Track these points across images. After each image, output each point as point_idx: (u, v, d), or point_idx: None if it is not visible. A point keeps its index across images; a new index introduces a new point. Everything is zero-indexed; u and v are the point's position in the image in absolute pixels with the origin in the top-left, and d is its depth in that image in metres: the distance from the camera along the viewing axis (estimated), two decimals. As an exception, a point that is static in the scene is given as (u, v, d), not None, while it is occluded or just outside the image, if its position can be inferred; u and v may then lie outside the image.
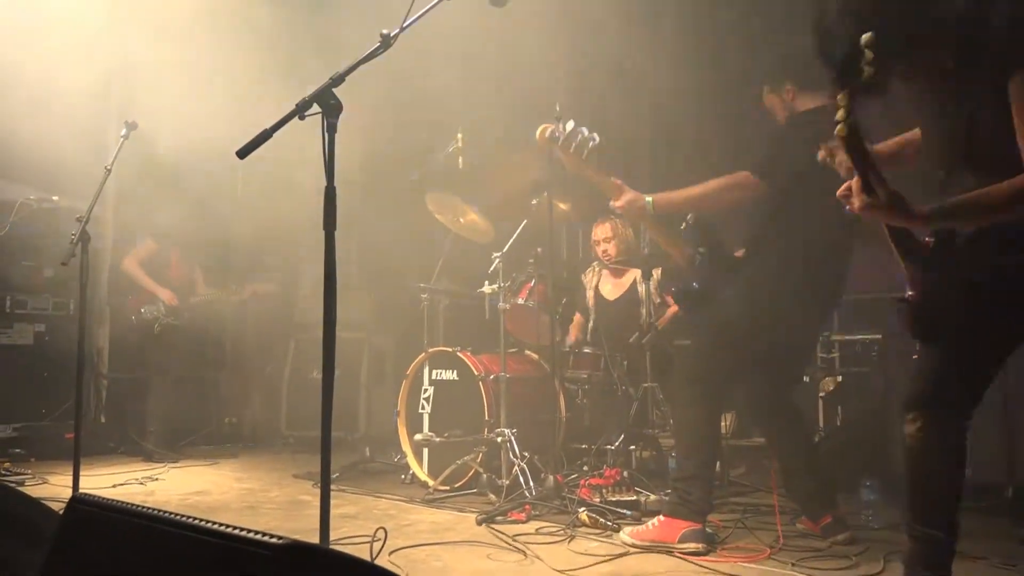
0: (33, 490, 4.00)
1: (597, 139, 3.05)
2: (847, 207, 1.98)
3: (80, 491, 3.27)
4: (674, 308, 4.77)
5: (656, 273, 4.69)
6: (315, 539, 1.86)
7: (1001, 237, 1.98)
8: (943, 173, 2.13)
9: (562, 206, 4.70)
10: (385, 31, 2.12)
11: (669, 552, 2.94)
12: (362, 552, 2.77)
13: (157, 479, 4.59)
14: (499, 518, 3.47)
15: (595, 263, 5.13)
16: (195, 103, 4.57)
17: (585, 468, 4.16)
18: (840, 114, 1.79)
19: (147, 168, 5.35)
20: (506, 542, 3.11)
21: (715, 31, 5.43)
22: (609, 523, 3.29)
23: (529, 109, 3.18)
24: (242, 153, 2.00)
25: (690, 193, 3.10)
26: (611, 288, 5.00)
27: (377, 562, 2.63)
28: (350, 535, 3.13)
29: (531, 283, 4.49)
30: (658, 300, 4.75)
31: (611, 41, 4.92)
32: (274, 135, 2.03)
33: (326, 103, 2.02)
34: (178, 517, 1.28)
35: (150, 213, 5.70)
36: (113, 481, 4.41)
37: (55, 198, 5.44)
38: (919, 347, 2.19)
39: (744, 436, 4.85)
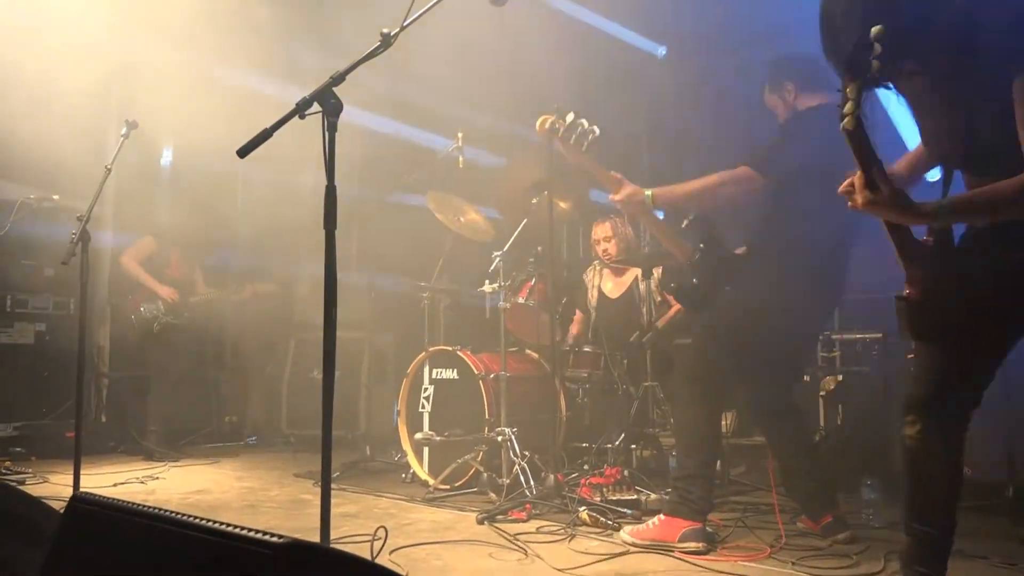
0: (34, 489, 4.00)
1: (597, 131, 3.05)
2: (849, 203, 1.98)
3: (81, 490, 3.27)
4: (675, 308, 4.78)
5: (656, 272, 4.69)
6: (316, 538, 1.86)
7: (1001, 235, 1.98)
8: (943, 172, 2.13)
9: (562, 205, 4.71)
10: (386, 30, 2.12)
11: (669, 551, 2.94)
12: (363, 551, 2.77)
13: (158, 478, 4.59)
14: (500, 517, 3.47)
15: (596, 262, 5.13)
16: (195, 103, 4.58)
17: (585, 467, 4.16)
18: (848, 106, 1.78)
19: (147, 168, 5.36)
20: (507, 539, 3.11)
21: (715, 29, 5.44)
22: (609, 522, 3.29)
23: (529, 108, 3.17)
24: (242, 152, 2.00)
25: (689, 187, 3.10)
26: (612, 286, 5.00)
27: (378, 561, 2.63)
28: (351, 534, 3.13)
29: (531, 282, 4.49)
30: (659, 299, 4.75)
31: (611, 40, 4.93)
32: (274, 134, 2.03)
33: (326, 102, 2.02)
34: (179, 516, 1.28)
35: (151, 212, 5.71)
36: (114, 480, 4.41)
37: (55, 197, 5.44)
38: (915, 346, 2.19)
39: (744, 435, 4.85)
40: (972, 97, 1.99)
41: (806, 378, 4.63)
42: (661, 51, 6.11)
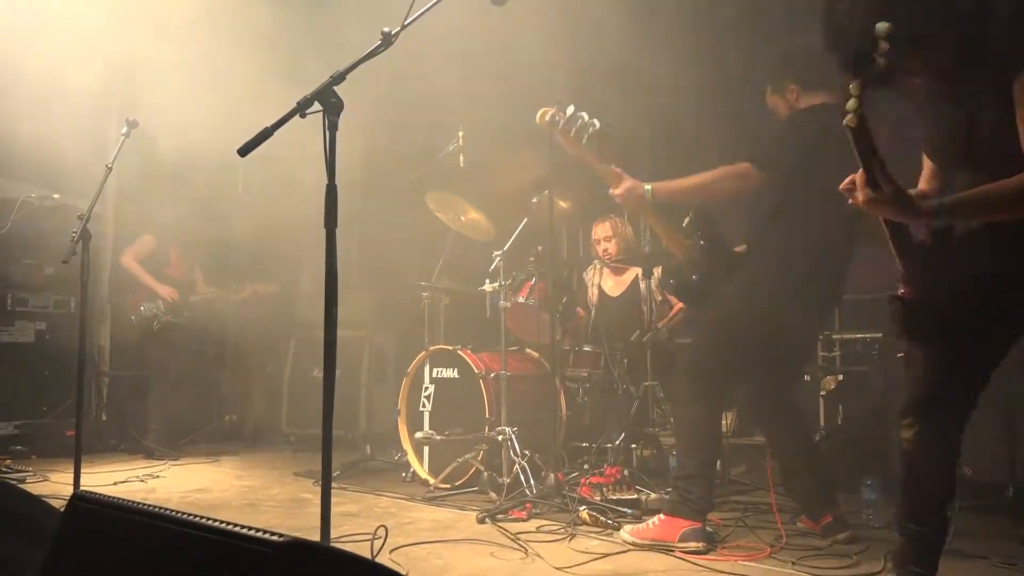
0: (34, 487, 4.00)
1: (597, 125, 3.05)
2: (850, 201, 1.98)
3: (81, 488, 3.27)
4: (676, 308, 4.78)
5: (657, 271, 4.70)
6: (316, 537, 1.86)
7: (999, 236, 1.98)
8: (948, 171, 2.13)
9: (563, 204, 4.70)
10: (386, 29, 2.12)
11: (670, 551, 2.94)
12: (363, 550, 2.77)
13: (158, 477, 4.59)
14: (500, 516, 3.47)
15: (596, 261, 5.14)
16: (196, 102, 4.57)
17: (586, 466, 4.17)
18: (851, 104, 1.77)
19: (148, 167, 5.36)
20: (509, 537, 3.11)
21: (715, 29, 5.43)
22: (610, 521, 3.29)
23: (530, 108, 3.17)
24: (243, 151, 2.00)
25: (689, 182, 3.10)
26: (613, 284, 5.00)
27: (378, 560, 2.63)
28: (351, 533, 3.13)
29: (532, 281, 4.49)
30: (659, 298, 4.76)
31: (611, 40, 4.92)
32: (275, 133, 2.03)
33: (327, 101, 2.02)
34: (179, 515, 1.28)
35: (151, 212, 5.70)
36: (114, 479, 4.42)
37: (56, 196, 5.45)
38: (907, 347, 2.19)
39: (745, 434, 4.85)
40: (972, 96, 1.99)
41: (806, 377, 4.64)
42: (661, 50, 6.10)
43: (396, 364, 5.95)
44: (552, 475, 3.82)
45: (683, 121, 5.41)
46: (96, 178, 3.59)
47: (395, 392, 4.81)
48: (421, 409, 4.52)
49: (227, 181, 6.24)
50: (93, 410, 5.81)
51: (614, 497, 3.61)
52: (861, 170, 1.89)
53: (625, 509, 3.48)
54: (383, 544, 2.80)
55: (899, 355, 2.18)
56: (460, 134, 4.64)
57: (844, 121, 1.79)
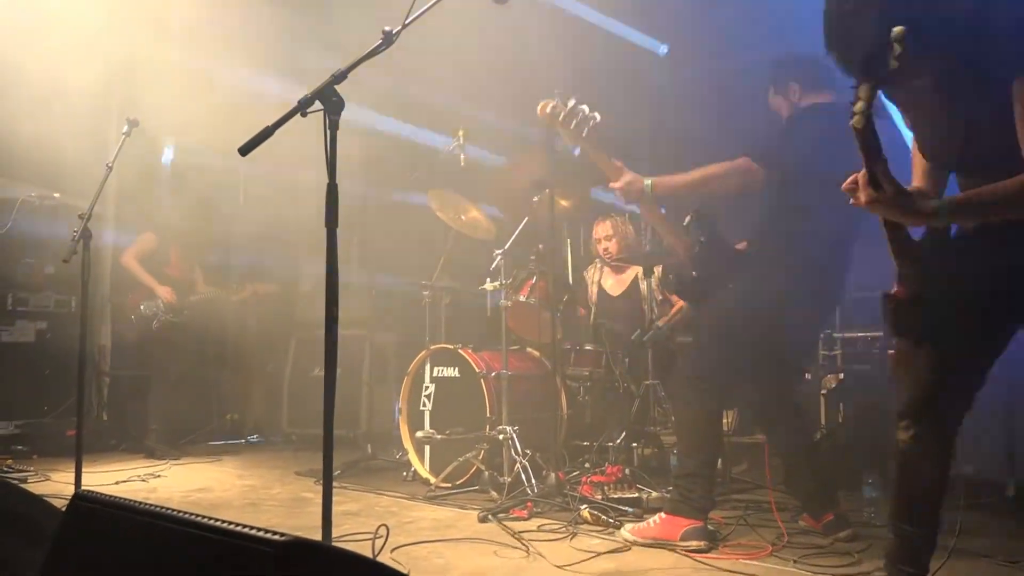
0: (35, 487, 4.00)
1: (598, 118, 3.04)
2: (851, 201, 1.98)
3: (82, 488, 3.27)
4: (677, 307, 4.78)
5: (657, 270, 4.70)
6: (317, 536, 1.86)
7: (994, 236, 1.98)
8: (946, 172, 2.13)
9: (563, 203, 4.70)
10: (387, 28, 2.12)
11: (671, 549, 2.93)
12: (364, 549, 2.77)
13: (159, 476, 4.60)
14: (501, 515, 3.47)
15: (596, 260, 5.14)
16: (197, 101, 4.58)
17: (587, 465, 4.16)
18: (859, 105, 1.77)
19: (149, 166, 5.36)
20: (511, 535, 3.11)
21: (716, 28, 5.43)
22: (611, 520, 3.29)
23: (530, 107, 3.17)
24: (244, 150, 1.99)
25: (689, 177, 3.10)
26: (613, 283, 5.00)
27: (379, 559, 2.63)
28: (352, 532, 3.13)
29: (532, 280, 4.49)
30: (660, 297, 4.75)
31: (613, 38, 4.92)
32: (276, 132, 2.02)
33: (328, 100, 2.01)
34: (180, 514, 1.28)
35: (152, 211, 5.71)
36: (115, 478, 4.42)
37: (57, 195, 5.45)
38: (902, 346, 2.18)
39: (746, 433, 4.85)
40: (972, 98, 1.99)
41: (807, 376, 4.64)
42: (663, 49, 6.11)
43: (397, 363, 5.95)
44: (553, 474, 3.82)
45: (683, 121, 5.41)
46: (96, 177, 3.59)
47: (396, 391, 4.81)
48: (422, 408, 4.52)
49: (228, 181, 6.25)
50: (94, 409, 5.81)
51: (615, 496, 3.61)
52: (863, 170, 1.89)
53: (626, 508, 3.48)
54: (384, 543, 2.79)
55: (889, 352, 2.18)
56: (460, 133, 4.64)
57: (851, 122, 1.79)
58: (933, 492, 2.15)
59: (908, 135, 2.33)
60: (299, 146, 2.45)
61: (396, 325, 6.16)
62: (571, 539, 3.12)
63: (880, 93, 1.84)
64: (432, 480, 4.22)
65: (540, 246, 4.55)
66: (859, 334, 4.68)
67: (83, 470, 3.45)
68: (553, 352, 4.22)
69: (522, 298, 4.45)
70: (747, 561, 2.80)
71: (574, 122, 3.05)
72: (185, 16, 4.58)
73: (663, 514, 3.05)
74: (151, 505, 1.35)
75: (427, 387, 4.54)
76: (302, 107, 2.01)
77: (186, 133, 4.51)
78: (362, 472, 4.74)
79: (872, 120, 1.79)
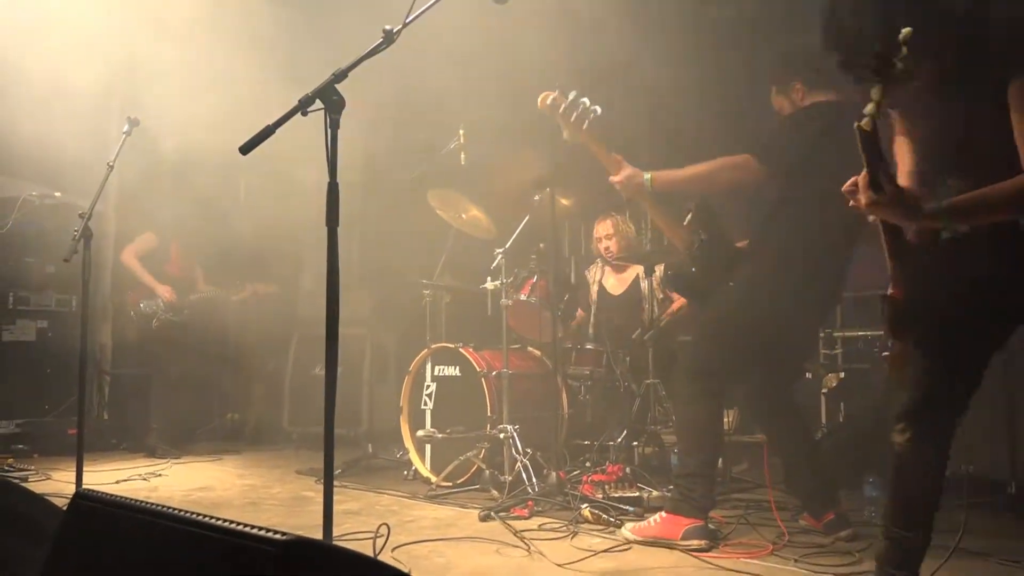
0: (36, 486, 4.01)
1: (599, 111, 3.04)
2: (852, 202, 1.98)
3: (83, 487, 3.27)
4: (678, 305, 4.78)
5: (658, 270, 4.70)
6: (318, 535, 1.86)
7: (988, 237, 1.98)
8: (940, 173, 2.13)
9: (564, 202, 4.70)
10: (388, 27, 2.12)
11: (672, 548, 2.94)
12: (365, 548, 2.77)
13: (160, 475, 4.60)
14: (502, 514, 3.47)
15: (598, 259, 5.14)
16: (197, 101, 4.57)
17: (588, 464, 4.17)
18: (870, 108, 1.77)
19: (150, 166, 5.36)
20: (512, 533, 3.11)
21: (715, 29, 5.43)
22: (612, 519, 3.29)
23: (530, 106, 3.17)
24: (245, 149, 2.00)
25: (689, 171, 3.09)
26: (614, 283, 5.00)
27: (380, 558, 2.63)
28: (353, 531, 3.13)
29: (533, 279, 4.49)
30: (660, 296, 4.75)
31: (611, 39, 4.91)
32: (276, 131, 2.02)
33: (329, 99, 2.02)
34: (181, 513, 1.28)
35: (152, 210, 5.70)
36: (116, 477, 4.42)
37: (58, 194, 5.45)
38: (900, 347, 2.18)
39: (746, 432, 4.85)
40: (969, 99, 1.99)
41: (808, 375, 4.64)
42: (661, 50, 6.09)
43: (398, 362, 5.95)
44: (554, 473, 3.82)
45: (683, 121, 5.41)
46: (97, 176, 3.59)
47: (397, 390, 4.80)
48: (423, 407, 4.52)
49: (228, 180, 6.24)
50: (95, 408, 5.81)
51: (616, 495, 3.61)
52: (864, 172, 1.89)
53: (627, 507, 3.48)
54: (385, 542, 2.79)
55: (884, 354, 2.18)
56: (461, 132, 4.63)
57: (860, 124, 1.79)
58: (928, 495, 2.15)
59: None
60: (300, 145, 2.45)
61: (397, 324, 6.16)
62: (572, 538, 3.12)
63: None
64: (433, 479, 4.22)
65: (541, 245, 4.55)
66: (859, 333, 4.69)
67: (84, 469, 3.45)
68: (554, 351, 4.22)
69: (523, 297, 4.45)
70: (748, 560, 2.80)
71: (575, 114, 3.05)
72: (186, 15, 4.57)
73: (664, 513, 3.05)
74: (152, 504, 1.35)
75: (428, 386, 4.55)
76: (303, 106, 2.01)
77: (187, 132, 4.51)
78: (363, 471, 4.75)
79: (878, 124, 1.80)
